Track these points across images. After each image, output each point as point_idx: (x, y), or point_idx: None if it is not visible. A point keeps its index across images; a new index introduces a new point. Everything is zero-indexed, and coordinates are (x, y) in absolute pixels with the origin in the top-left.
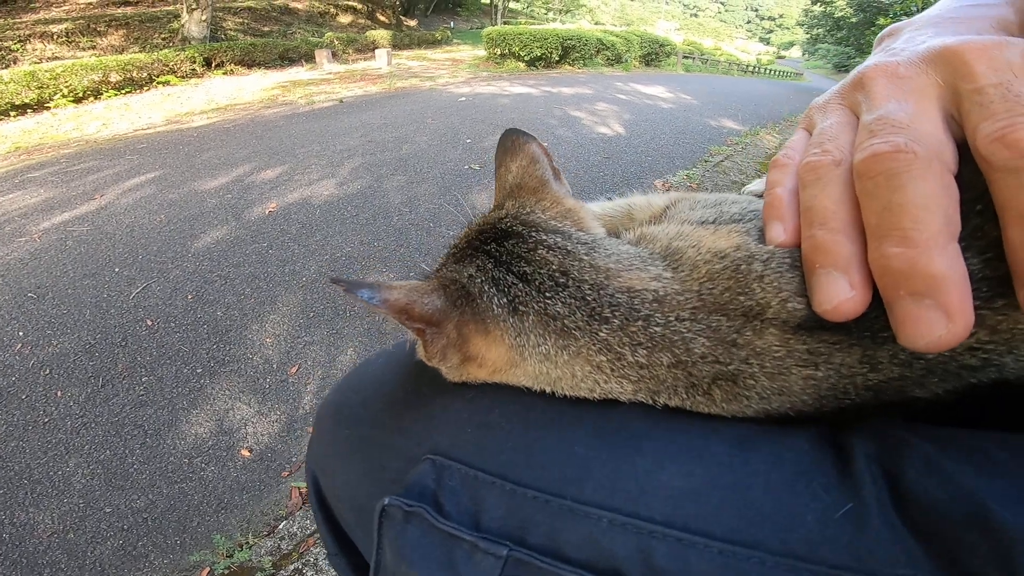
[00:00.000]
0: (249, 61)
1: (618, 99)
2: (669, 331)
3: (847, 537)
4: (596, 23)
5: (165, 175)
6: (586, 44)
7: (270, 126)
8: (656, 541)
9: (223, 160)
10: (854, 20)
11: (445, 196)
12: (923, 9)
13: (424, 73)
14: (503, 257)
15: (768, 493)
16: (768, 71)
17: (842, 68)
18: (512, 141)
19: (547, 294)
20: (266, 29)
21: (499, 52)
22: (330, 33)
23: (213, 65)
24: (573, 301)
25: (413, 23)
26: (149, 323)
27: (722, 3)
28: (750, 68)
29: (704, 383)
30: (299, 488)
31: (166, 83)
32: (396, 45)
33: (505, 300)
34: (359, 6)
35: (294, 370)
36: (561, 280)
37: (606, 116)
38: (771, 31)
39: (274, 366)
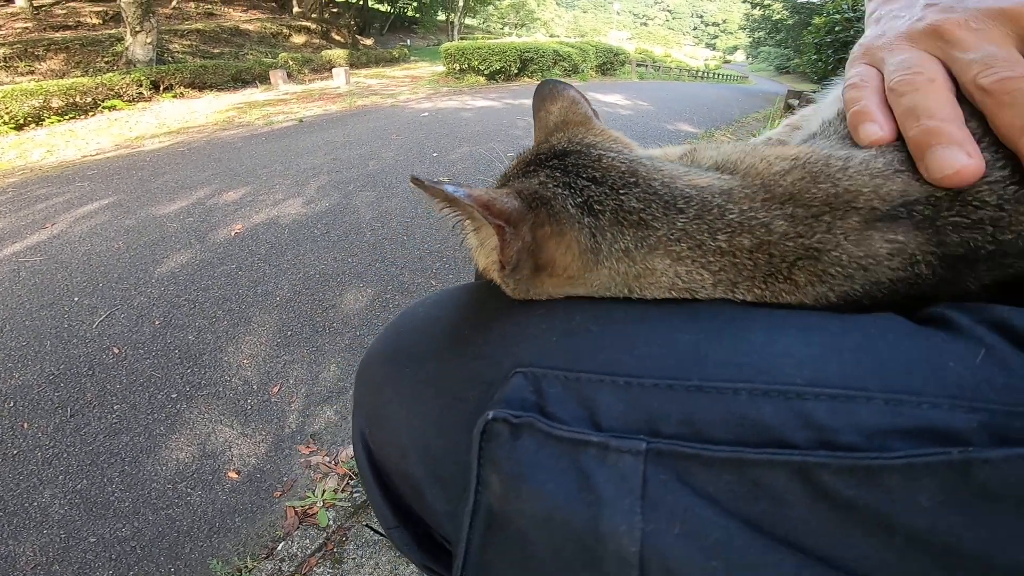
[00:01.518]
0: (200, 83)
1: None
2: (745, 217)
3: (1002, 378)
4: (551, 35)
5: (120, 201)
6: (543, 56)
7: (228, 148)
8: (810, 402)
9: (181, 183)
10: (790, 22)
11: (417, 209)
12: (853, 7)
13: (384, 90)
14: (569, 168)
15: (897, 350)
16: (716, 75)
17: (783, 70)
18: (550, 89)
19: (621, 191)
20: (216, 51)
21: (458, 67)
22: (284, 54)
23: (162, 88)
24: (646, 196)
25: (369, 42)
26: (116, 351)
27: (669, 11)
28: (699, 73)
29: (785, 267)
30: (294, 508)
31: (112, 108)
32: (353, 64)
33: (580, 200)
34: (313, 26)
35: (276, 389)
36: (631, 180)
37: None
38: (716, 36)
39: (254, 387)
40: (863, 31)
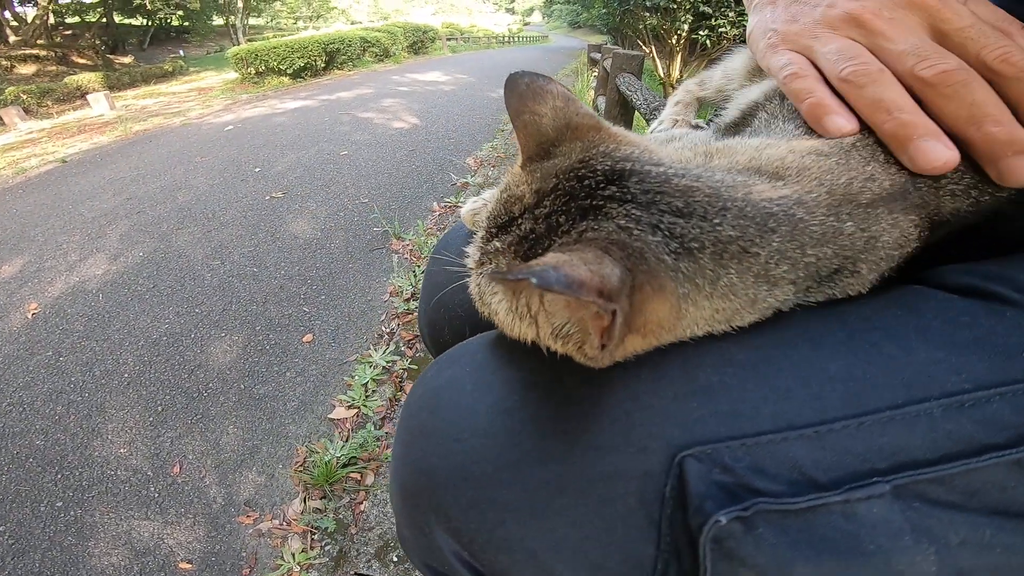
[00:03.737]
0: None
1: (401, 92)
2: (826, 227)
3: None
4: (353, 23)
5: None
6: (350, 45)
7: None
8: (994, 405)
9: None
10: None
11: (257, 235)
12: None
13: (168, 110)
14: (641, 198)
15: (1005, 329)
16: (520, 39)
17: (575, 25)
18: (527, 84)
19: (715, 220)
20: None
21: (254, 71)
22: (11, 88)
23: None
24: (739, 221)
25: (128, 60)
26: None
27: None
28: (506, 39)
29: (850, 262)
30: None
31: None
32: (114, 86)
33: (676, 244)
34: (42, 53)
35: (177, 469)
36: (717, 204)
37: (396, 111)
38: (513, 0)
39: (149, 473)
40: None
